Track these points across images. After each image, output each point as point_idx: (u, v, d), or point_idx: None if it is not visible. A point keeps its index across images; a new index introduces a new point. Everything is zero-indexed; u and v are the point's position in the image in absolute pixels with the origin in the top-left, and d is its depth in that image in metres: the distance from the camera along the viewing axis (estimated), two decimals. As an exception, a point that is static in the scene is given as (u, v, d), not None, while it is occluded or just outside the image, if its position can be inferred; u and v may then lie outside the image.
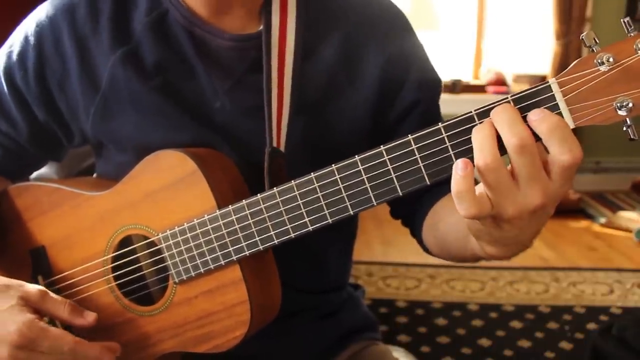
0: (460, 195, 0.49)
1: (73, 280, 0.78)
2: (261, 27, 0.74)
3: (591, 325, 2.14)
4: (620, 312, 2.25)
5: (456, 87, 3.70)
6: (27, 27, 0.77)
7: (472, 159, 0.51)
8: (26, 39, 0.76)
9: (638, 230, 2.98)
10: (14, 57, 0.77)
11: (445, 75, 3.83)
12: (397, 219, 0.87)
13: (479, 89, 3.78)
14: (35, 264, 0.80)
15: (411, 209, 0.82)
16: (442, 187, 0.77)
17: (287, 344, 0.85)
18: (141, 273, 0.75)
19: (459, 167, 0.50)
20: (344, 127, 0.77)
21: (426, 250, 0.82)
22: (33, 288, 0.68)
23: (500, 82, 3.75)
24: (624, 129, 0.50)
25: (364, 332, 0.92)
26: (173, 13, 0.74)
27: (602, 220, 3.26)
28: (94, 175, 0.89)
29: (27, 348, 0.64)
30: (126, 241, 0.75)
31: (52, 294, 0.69)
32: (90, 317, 0.70)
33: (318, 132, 0.76)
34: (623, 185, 3.74)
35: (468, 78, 3.93)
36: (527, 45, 3.76)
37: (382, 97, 0.78)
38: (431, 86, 0.81)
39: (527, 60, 3.74)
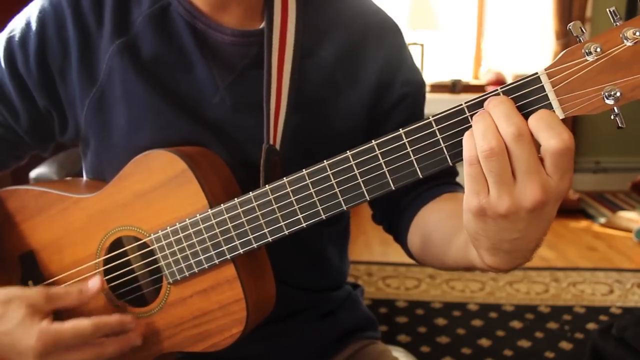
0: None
1: (65, 284, 0.76)
2: (262, 24, 0.75)
3: (591, 325, 2.14)
4: (620, 312, 2.25)
5: (456, 87, 3.70)
6: (29, 13, 0.77)
7: (460, 153, 0.52)
8: (28, 24, 0.76)
9: (638, 230, 2.98)
10: (15, 42, 0.76)
11: (445, 75, 3.83)
12: (379, 224, 0.88)
13: (479, 89, 3.78)
14: (25, 269, 0.79)
15: (393, 215, 0.83)
16: (424, 193, 0.79)
17: (287, 343, 0.85)
18: (134, 275, 0.74)
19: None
20: (340, 126, 0.79)
21: (411, 256, 0.82)
22: (34, 293, 0.67)
23: (500, 82, 3.75)
24: (612, 117, 0.51)
25: (363, 331, 0.92)
26: (176, 6, 0.75)
27: (602, 220, 3.27)
28: (83, 175, 0.88)
29: (53, 352, 0.65)
30: (118, 243, 0.74)
31: (52, 289, 0.68)
32: (95, 284, 0.69)
33: (313, 131, 0.78)
34: (623, 185, 3.74)
35: (468, 78, 3.94)
36: (527, 45, 3.76)
37: (376, 97, 0.81)
38: (416, 83, 0.84)
39: (527, 60, 3.74)
